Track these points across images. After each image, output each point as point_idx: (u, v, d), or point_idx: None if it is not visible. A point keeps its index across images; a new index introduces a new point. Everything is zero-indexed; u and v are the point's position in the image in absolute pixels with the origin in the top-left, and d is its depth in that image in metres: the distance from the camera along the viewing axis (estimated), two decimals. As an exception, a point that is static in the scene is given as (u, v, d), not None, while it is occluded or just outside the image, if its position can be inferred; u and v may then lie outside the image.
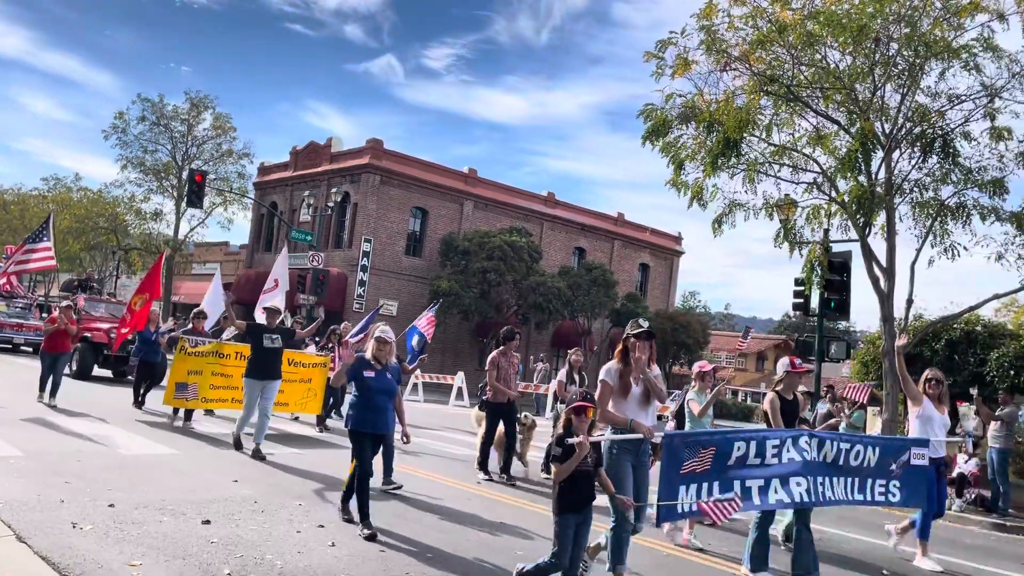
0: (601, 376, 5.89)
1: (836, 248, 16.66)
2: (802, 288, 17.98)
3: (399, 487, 8.50)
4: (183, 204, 39.83)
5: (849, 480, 6.38)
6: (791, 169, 14.93)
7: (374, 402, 6.67)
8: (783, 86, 13.61)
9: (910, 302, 14.41)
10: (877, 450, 6.56)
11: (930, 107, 13.52)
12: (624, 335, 6.05)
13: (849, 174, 13.95)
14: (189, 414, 12.14)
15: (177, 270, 43.89)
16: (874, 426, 17.17)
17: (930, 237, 13.99)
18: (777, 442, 5.97)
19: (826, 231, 15.96)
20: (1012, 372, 15.41)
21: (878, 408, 16.44)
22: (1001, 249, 13.61)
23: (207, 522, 6.26)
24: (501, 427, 10.40)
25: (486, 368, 10.61)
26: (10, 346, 24.61)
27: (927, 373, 8.36)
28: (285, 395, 12.09)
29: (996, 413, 13.15)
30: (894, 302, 14.16)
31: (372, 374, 6.72)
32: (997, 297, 14.87)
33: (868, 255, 14.24)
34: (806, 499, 5.99)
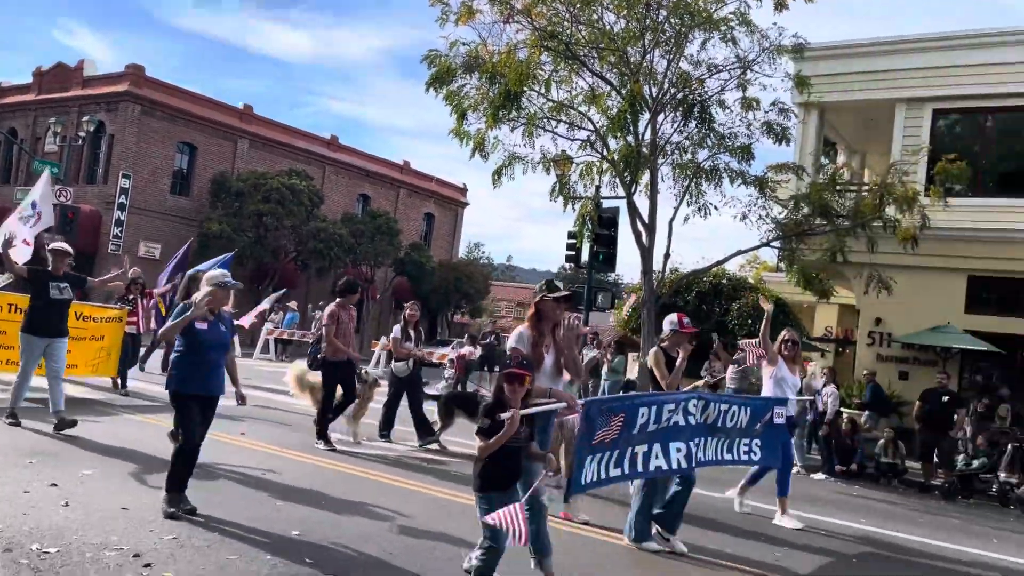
0: (511, 343, 5.36)
1: (606, 204, 17.60)
2: (574, 241, 18.89)
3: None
4: None
5: (720, 441, 6.32)
6: (568, 126, 15.44)
7: (207, 358, 5.68)
8: (562, 43, 13.95)
9: (667, 256, 15.54)
10: (748, 410, 6.52)
11: (692, 74, 14.49)
12: (537, 297, 5.41)
13: (619, 134, 14.65)
14: None
15: None
16: (632, 370, 18.55)
17: (687, 196, 15.08)
18: (673, 406, 5.80)
19: (597, 187, 16.77)
20: (750, 321, 17.21)
21: (636, 353, 17.74)
22: (746, 210, 14.98)
23: (-92, 487, 5.45)
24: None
25: (323, 323, 9.58)
26: None
27: (784, 334, 8.26)
28: (73, 355, 10.25)
29: (734, 358, 14.65)
30: (654, 256, 15.21)
31: (205, 326, 5.67)
32: (740, 253, 16.41)
33: (633, 211, 15.12)
34: (683, 465, 5.86)
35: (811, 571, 6.22)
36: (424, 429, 10.12)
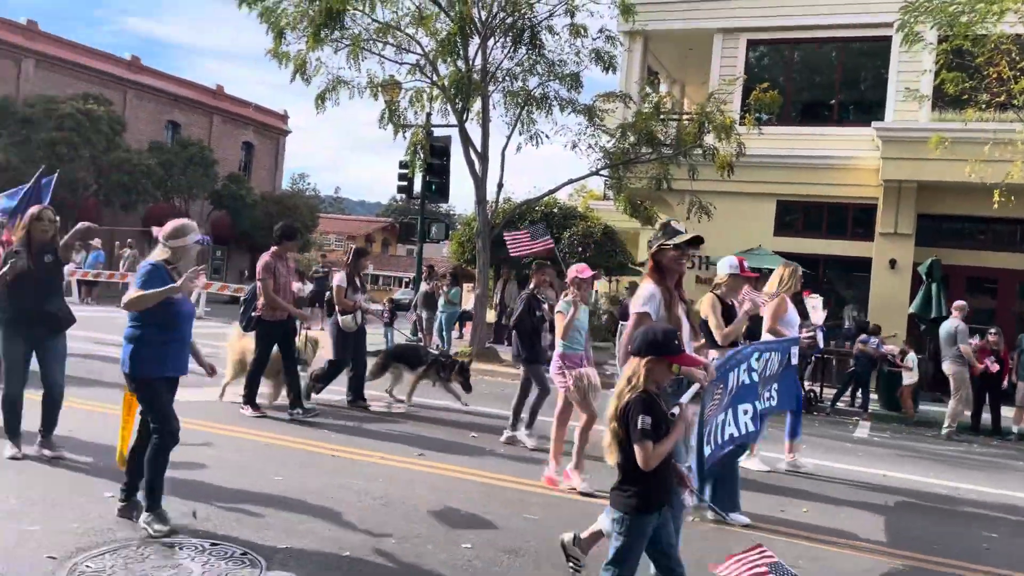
0: (639, 306, 4.18)
1: (438, 132, 17.20)
2: (406, 171, 18.39)
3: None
4: None
5: (762, 392, 5.54)
6: (395, 49, 14.81)
7: (182, 334, 4.63)
8: (387, -42, 13.21)
9: (500, 186, 15.49)
10: (778, 355, 5.84)
11: (522, -1, 14.23)
12: (653, 246, 4.31)
13: (449, 58, 14.24)
14: None
15: None
16: (468, 301, 18.57)
17: (519, 125, 15.00)
18: (746, 364, 5.05)
19: (428, 115, 16.31)
20: (580, 248, 17.61)
21: (471, 284, 17.74)
22: (576, 138, 15.14)
23: None
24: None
25: (258, 276, 8.21)
26: None
27: (790, 270, 7.54)
28: None
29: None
30: (487, 186, 15.09)
31: (180, 295, 4.54)
32: (571, 182, 16.67)
33: (465, 140, 14.87)
34: (751, 428, 5.08)
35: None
36: (358, 389, 9.21)
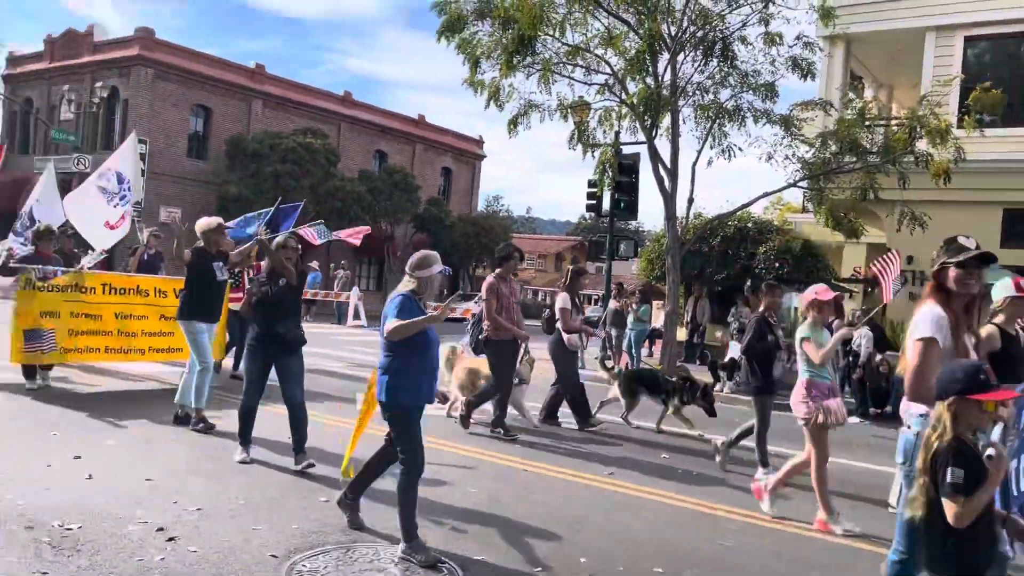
0: (926, 331, 3.57)
1: (626, 150, 17.20)
2: (595, 190, 18.54)
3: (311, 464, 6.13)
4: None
5: None
6: (584, 70, 15.01)
7: (434, 362, 4.74)
8: (576, -18, 13.46)
9: (691, 201, 15.20)
10: None
11: (712, 10, 13.95)
12: (935, 265, 3.79)
13: (638, 76, 14.22)
14: (43, 371, 8.90)
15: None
16: (658, 318, 18.33)
17: (710, 139, 14.67)
18: None
19: (617, 133, 16.35)
20: (777, 264, 16.87)
21: (661, 301, 17.51)
22: (771, 150, 14.55)
23: (-69, 465, 5.39)
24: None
25: (482, 297, 8.41)
26: None
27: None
28: (178, 338, 8.92)
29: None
30: (677, 201, 14.87)
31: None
32: (766, 195, 16.01)
33: (654, 156, 14.75)
34: None
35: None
36: (584, 411, 9.13)
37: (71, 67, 33.56)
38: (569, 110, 15.01)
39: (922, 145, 13.45)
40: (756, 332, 7.14)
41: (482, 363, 8.57)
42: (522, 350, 8.68)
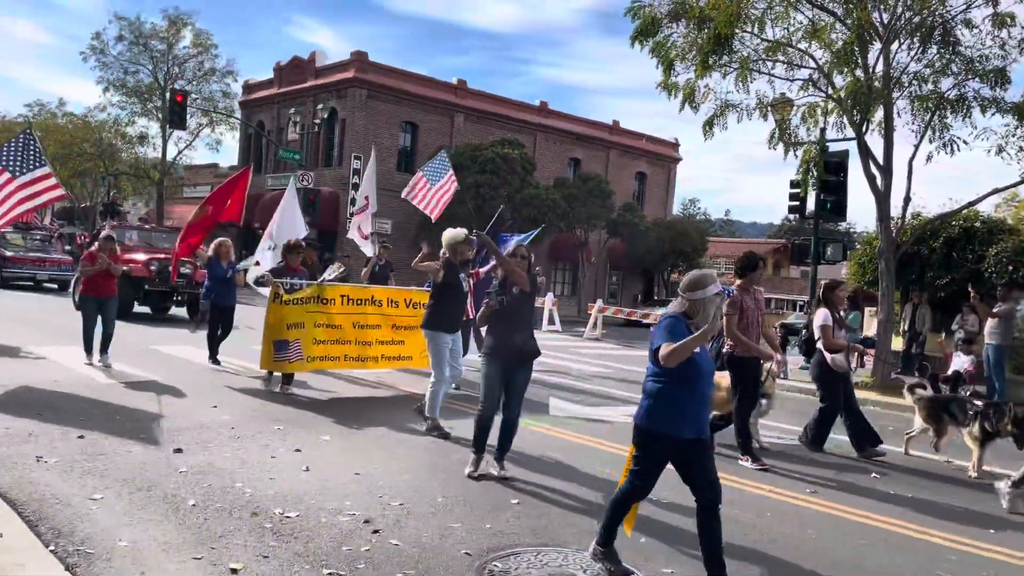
0: None
1: (833, 147, 16.18)
2: (798, 190, 17.59)
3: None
4: (168, 126, 39.05)
5: None
6: (786, 66, 14.34)
7: (703, 392, 4.34)
8: (776, -25, 12.90)
9: (907, 200, 14.07)
10: None
11: (931, -8, 12.84)
12: None
13: (845, 68, 13.40)
14: (289, 377, 9.38)
15: (167, 194, 43.31)
16: (870, 327, 17.08)
17: (929, 132, 13.52)
18: None
19: (822, 130, 15.45)
20: (1011, 268, 15.15)
21: (874, 308, 16.31)
22: (1002, 142, 13.17)
23: (179, 451, 6.13)
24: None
25: (724, 311, 7.34)
26: (32, 283, 22.08)
27: None
28: (408, 346, 10.00)
29: (994, 309, 12.97)
30: (891, 201, 13.82)
31: (698, 348, 4.23)
32: (997, 191, 14.51)
33: (865, 153, 13.82)
34: None
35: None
36: (866, 436, 8.25)
37: (296, 92, 36.91)
38: (769, 108, 14.40)
39: None
40: None
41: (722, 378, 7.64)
42: (766, 368, 7.98)
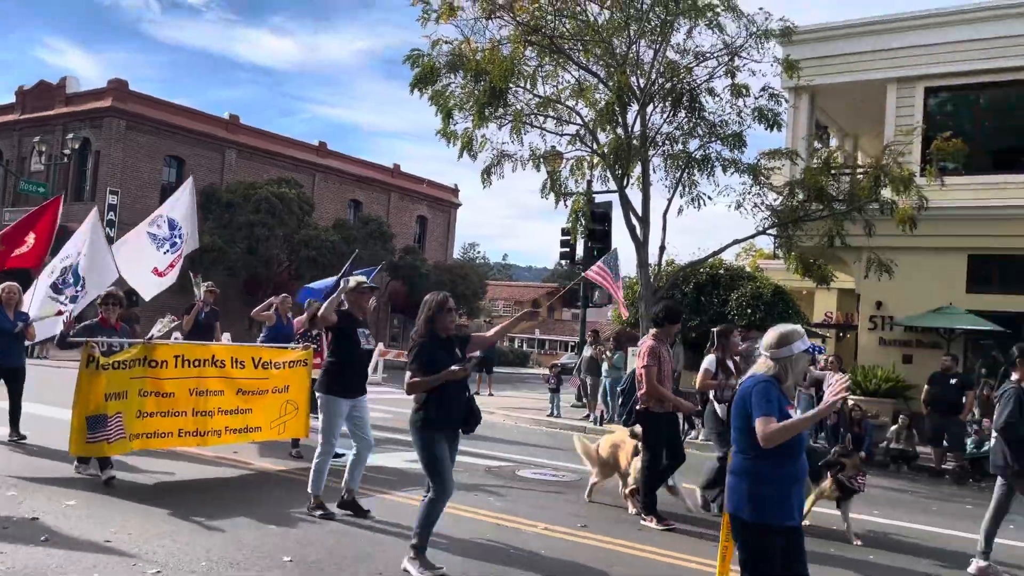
0: None
1: (599, 199, 17.43)
2: (568, 238, 18.69)
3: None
4: None
5: None
6: (556, 121, 15.21)
7: (804, 469, 3.82)
8: (546, 37, 13.72)
9: (663, 248, 15.31)
10: None
11: (680, 63, 14.25)
12: None
13: (608, 126, 14.44)
14: (106, 460, 7.19)
15: None
16: (633, 366, 18.32)
17: (680, 187, 14.85)
18: None
19: (589, 182, 16.57)
20: (749, 310, 16.99)
21: (635, 348, 17.53)
22: (740, 198, 14.74)
23: None
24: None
25: (641, 363, 7.21)
26: None
27: None
28: (255, 415, 8.18)
29: (739, 348, 14.40)
30: (649, 249, 14.98)
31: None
32: (737, 242, 16.20)
33: (626, 205, 14.90)
34: None
35: (813, 563, 5.98)
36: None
37: (42, 119, 33.50)
38: (541, 160, 15.18)
39: (887, 193, 13.72)
40: (1017, 405, 6.12)
41: (622, 436, 7.55)
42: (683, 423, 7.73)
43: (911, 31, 16.75)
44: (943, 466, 12.25)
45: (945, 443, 12.26)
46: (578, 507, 7.61)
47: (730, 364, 7.78)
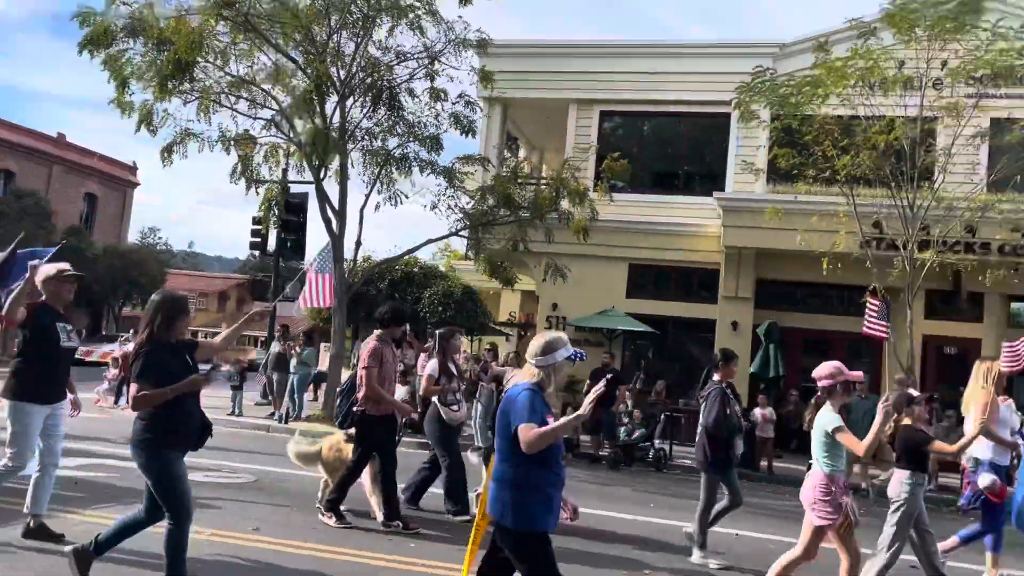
0: None
1: (295, 189, 16.84)
2: (260, 228, 17.84)
3: None
4: None
5: None
6: (249, 103, 14.47)
7: (562, 474, 3.93)
8: (240, 14, 12.96)
9: (359, 244, 15.26)
10: None
11: (381, 60, 14.28)
12: None
13: (305, 115, 14.05)
14: None
15: None
16: (324, 362, 18.01)
17: (378, 184, 14.89)
18: None
19: (284, 171, 15.98)
20: (440, 308, 17.55)
21: (327, 343, 17.24)
22: (435, 199, 15.15)
23: None
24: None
25: (362, 364, 7.00)
26: None
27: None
28: None
29: (426, 345, 14.76)
30: (345, 244, 14.83)
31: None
32: (430, 242, 16.63)
33: (323, 197, 14.60)
34: None
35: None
36: (459, 495, 7.59)
37: None
38: (232, 143, 14.32)
39: (565, 204, 14.93)
40: (721, 407, 6.63)
41: (339, 438, 7.29)
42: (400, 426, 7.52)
43: (590, 58, 18.46)
44: (600, 452, 13.59)
45: (602, 433, 13.62)
46: (254, 509, 7.24)
47: (452, 367, 7.79)
